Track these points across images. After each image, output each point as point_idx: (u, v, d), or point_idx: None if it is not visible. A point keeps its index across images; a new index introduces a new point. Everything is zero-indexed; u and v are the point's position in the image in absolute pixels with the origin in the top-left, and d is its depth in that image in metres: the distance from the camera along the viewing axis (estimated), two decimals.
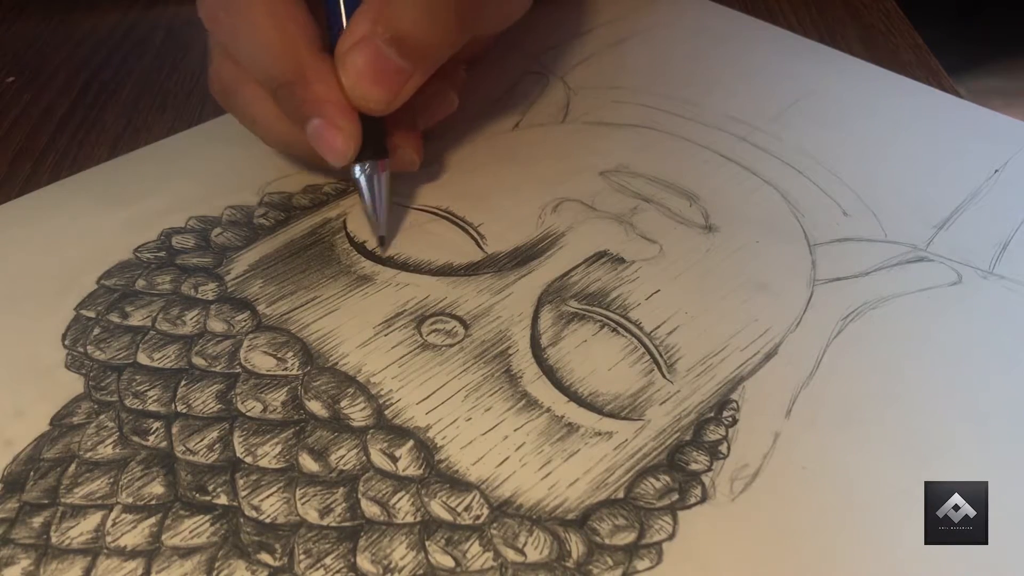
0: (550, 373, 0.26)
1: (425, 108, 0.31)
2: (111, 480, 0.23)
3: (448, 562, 0.21)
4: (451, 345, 0.27)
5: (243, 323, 0.27)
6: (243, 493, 0.23)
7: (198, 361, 0.26)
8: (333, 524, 0.22)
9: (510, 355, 0.26)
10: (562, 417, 0.25)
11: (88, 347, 0.26)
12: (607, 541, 0.22)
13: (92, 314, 0.27)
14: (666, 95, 0.38)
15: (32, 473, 0.23)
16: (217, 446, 0.24)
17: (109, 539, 0.22)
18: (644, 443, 0.24)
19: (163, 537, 0.22)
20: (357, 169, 0.29)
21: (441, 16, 0.28)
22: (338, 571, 0.21)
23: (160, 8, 0.46)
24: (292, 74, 0.27)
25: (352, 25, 0.27)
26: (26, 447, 0.24)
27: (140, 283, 0.28)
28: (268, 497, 0.23)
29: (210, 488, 0.23)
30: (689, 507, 0.23)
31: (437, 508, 0.22)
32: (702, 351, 0.27)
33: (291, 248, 0.30)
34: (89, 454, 0.23)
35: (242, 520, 0.22)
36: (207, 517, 0.22)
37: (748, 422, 0.25)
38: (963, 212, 0.32)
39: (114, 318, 0.27)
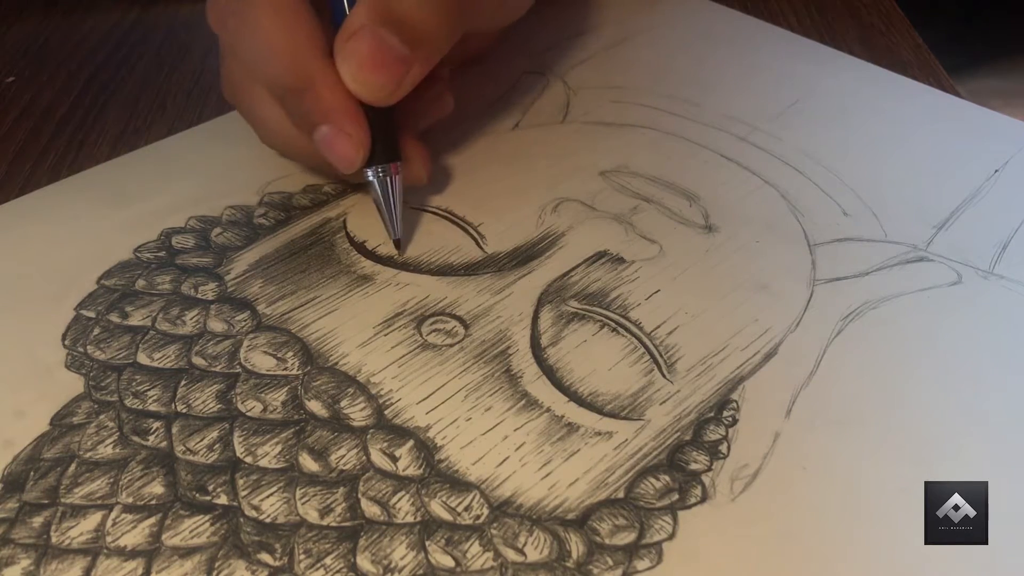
0: (550, 373, 0.26)
1: (423, 111, 0.31)
2: (111, 480, 0.23)
3: (448, 562, 0.21)
4: (451, 345, 0.27)
5: (243, 323, 0.27)
6: (243, 493, 0.23)
7: (198, 361, 0.26)
8: (333, 524, 0.22)
9: (510, 355, 0.26)
10: (562, 417, 0.25)
11: (88, 347, 0.26)
12: (607, 541, 0.22)
13: (92, 314, 0.27)
14: (666, 95, 0.38)
15: (32, 473, 0.23)
16: (217, 446, 0.24)
17: (109, 539, 0.22)
18: (644, 443, 0.24)
19: (163, 537, 0.22)
20: (369, 172, 0.28)
21: (442, 1, 0.27)
22: (338, 571, 0.21)
23: (160, 8, 0.46)
24: (300, 81, 0.27)
25: (351, 16, 0.27)
26: (26, 447, 0.24)
27: (140, 283, 0.28)
28: (268, 497, 0.23)
29: (210, 488, 0.23)
30: (689, 507, 0.23)
31: (437, 508, 0.22)
32: (702, 351, 0.27)
33: (291, 248, 0.30)
34: (89, 454, 0.23)
35: (242, 520, 0.22)
36: (207, 517, 0.22)
37: (748, 422, 0.25)
38: (963, 212, 0.32)
39: (114, 318, 0.27)
